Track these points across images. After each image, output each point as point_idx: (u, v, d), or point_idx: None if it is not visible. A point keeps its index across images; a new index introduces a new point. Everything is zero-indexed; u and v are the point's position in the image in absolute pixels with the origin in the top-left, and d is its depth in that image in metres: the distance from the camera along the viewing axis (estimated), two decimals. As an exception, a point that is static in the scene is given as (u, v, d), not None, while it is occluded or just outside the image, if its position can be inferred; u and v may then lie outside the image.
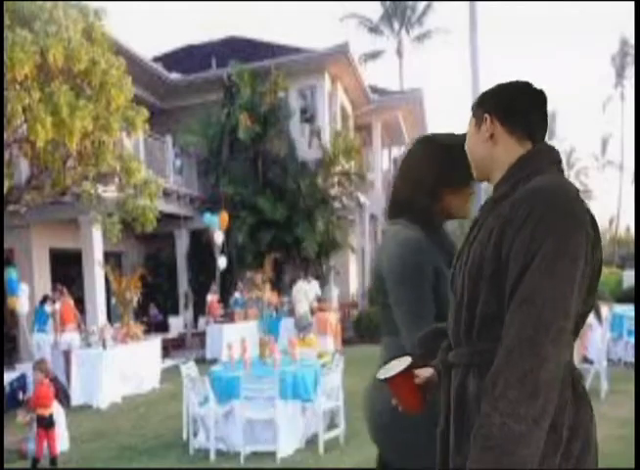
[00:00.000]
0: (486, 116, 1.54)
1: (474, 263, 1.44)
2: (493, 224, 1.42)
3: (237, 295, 13.31)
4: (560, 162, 1.52)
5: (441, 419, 1.55)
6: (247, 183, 14.51)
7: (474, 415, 1.40)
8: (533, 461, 1.27)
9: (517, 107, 1.53)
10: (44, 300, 9.84)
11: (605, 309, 8.98)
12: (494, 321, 1.39)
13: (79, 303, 10.80)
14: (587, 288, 1.38)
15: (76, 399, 8.08)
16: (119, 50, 9.84)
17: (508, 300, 1.34)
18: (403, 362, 1.60)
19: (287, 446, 5.37)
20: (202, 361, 10.15)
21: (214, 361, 9.71)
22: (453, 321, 1.53)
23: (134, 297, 9.76)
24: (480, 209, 1.56)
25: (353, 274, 17.46)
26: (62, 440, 5.72)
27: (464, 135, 1.66)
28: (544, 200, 1.34)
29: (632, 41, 33.59)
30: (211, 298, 13.10)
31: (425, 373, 1.62)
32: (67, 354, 8.40)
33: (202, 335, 12.49)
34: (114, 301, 11.27)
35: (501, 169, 1.53)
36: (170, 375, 9.11)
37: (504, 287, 1.37)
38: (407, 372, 1.57)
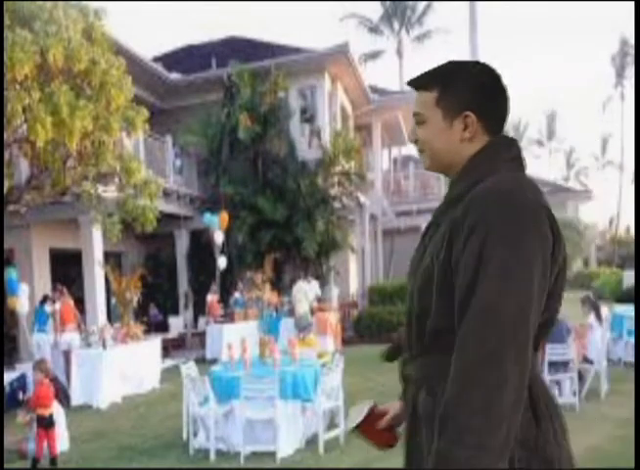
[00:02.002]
0: (468, 113, 1.36)
1: (425, 270, 1.33)
2: (445, 228, 1.30)
3: (237, 295, 13.30)
4: (520, 156, 1.38)
5: (405, 432, 1.50)
6: (247, 183, 14.51)
7: (422, 433, 1.34)
8: None
9: (495, 99, 1.39)
10: (44, 300, 9.83)
11: (605, 309, 8.98)
12: (444, 332, 1.28)
13: (79, 303, 10.79)
14: (549, 293, 1.26)
15: (76, 399, 8.08)
16: (119, 50, 9.84)
17: (458, 311, 1.21)
18: (365, 407, 1.62)
19: (287, 446, 5.37)
20: (202, 361, 10.15)
21: (214, 361, 9.70)
22: (406, 333, 1.43)
23: (134, 297, 9.76)
24: (435, 210, 1.43)
25: (353, 274, 17.46)
26: (62, 440, 5.72)
27: None
28: (497, 203, 1.21)
29: (632, 41, 33.58)
30: (211, 298, 13.10)
31: (391, 411, 1.60)
32: (67, 354, 8.40)
33: (202, 335, 12.49)
34: (114, 301, 11.28)
35: (463, 163, 1.38)
36: (170, 375, 9.11)
37: (453, 296, 1.24)
38: (370, 416, 1.60)
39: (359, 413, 1.61)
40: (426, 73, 1.42)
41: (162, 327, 14.13)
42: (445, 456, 1.12)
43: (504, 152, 1.36)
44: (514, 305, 1.16)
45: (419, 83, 1.41)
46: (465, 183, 1.33)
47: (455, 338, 1.21)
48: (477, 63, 1.44)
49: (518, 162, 1.37)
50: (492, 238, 1.18)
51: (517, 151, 1.38)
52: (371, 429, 1.61)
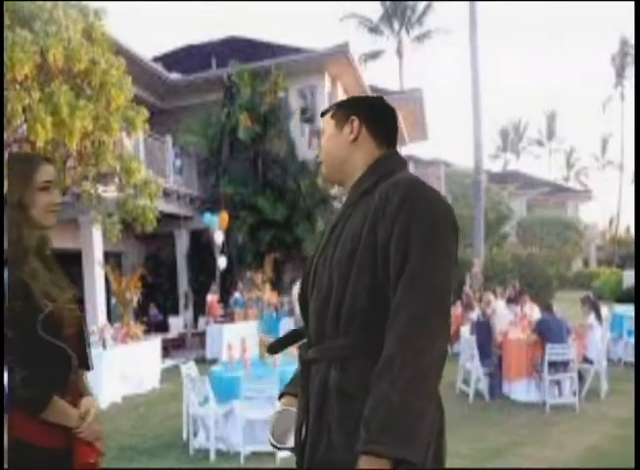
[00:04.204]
0: (353, 117, 1.58)
1: (343, 256, 1.46)
2: (363, 217, 1.45)
3: (237, 295, 13.30)
4: (407, 165, 1.64)
5: (298, 414, 1.55)
6: (247, 183, 14.51)
7: (333, 405, 1.42)
8: (428, 437, 1.31)
9: (381, 114, 1.62)
10: (44, 300, 9.83)
11: (605, 309, 8.98)
12: (362, 314, 1.41)
13: (79, 303, 10.79)
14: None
15: (76, 399, 8.08)
16: (119, 50, 9.84)
17: (393, 284, 1.36)
18: (291, 419, 1.56)
19: (287, 446, 5.37)
20: (202, 361, 10.15)
21: (214, 361, 9.70)
22: (316, 317, 1.52)
23: (134, 297, 9.75)
24: (342, 205, 1.61)
25: (353, 274, 17.45)
26: (62, 440, 5.71)
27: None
28: (414, 189, 1.42)
29: (632, 41, 33.58)
30: (211, 298, 13.10)
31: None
32: (67, 354, 8.40)
33: (202, 335, 12.48)
34: (114, 301, 11.28)
35: (358, 172, 1.58)
36: (170, 375, 9.11)
37: (377, 277, 1.40)
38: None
39: (288, 428, 1.56)
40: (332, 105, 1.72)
41: (162, 327, 14.12)
42: (383, 396, 1.28)
43: (399, 160, 1.62)
44: (440, 275, 1.34)
45: (325, 111, 1.72)
46: (371, 179, 1.53)
47: (371, 318, 1.40)
48: (374, 95, 1.73)
49: (407, 169, 1.62)
50: (416, 220, 1.37)
51: (405, 161, 1.64)
52: None
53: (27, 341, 1.67)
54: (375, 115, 1.61)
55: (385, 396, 1.28)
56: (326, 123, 1.68)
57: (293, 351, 5.92)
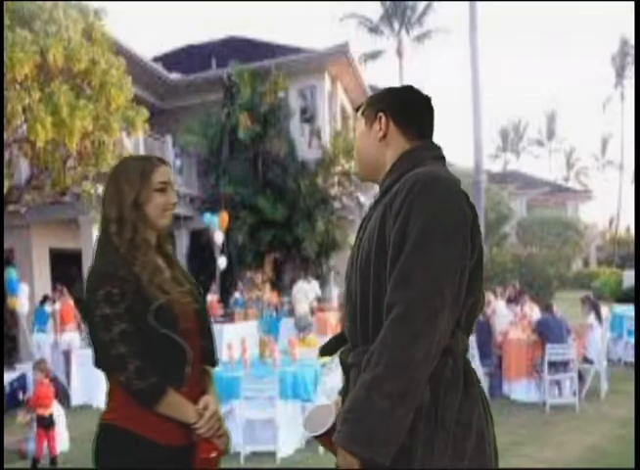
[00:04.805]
0: (381, 114, 1.54)
1: (363, 259, 1.43)
2: (377, 215, 1.43)
3: (237, 295, 13.30)
4: (443, 158, 1.55)
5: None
6: (247, 183, 14.51)
7: None
8: (395, 440, 1.25)
9: (409, 107, 1.55)
10: (44, 300, 9.83)
11: (605, 309, 8.98)
12: (384, 315, 1.36)
13: (79, 303, 10.78)
14: (471, 273, 1.35)
15: (76, 399, 8.08)
16: (119, 50, 9.84)
17: (388, 283, 1.32)
18: (330, 416, 1.53)
19: (287, 447, 5.37)
20: (202, 361, 10.14)
21: (214, 361, 9.68)
22: (349, 322, 1.51)
23: (134, 297, 9.74)
24: (370, 206, 1.58)
25: (353, 274, 17.45)
26: (62, 440, 5.71)
27: None
28: (420, 186, 1.35)
29: (632, 41, 33.58)
30: (211, 298, 13.08)
31: None
32: (67, 354, 8.39)
33: (202, 335, 12.47)
34: (114, 301, 11.23)
35: (386, 168, 1.54)
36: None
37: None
38: (334, 425, 1.50)
39: (322, 419, 1.53)
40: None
41: (162, 327, 14.11)
42: (354, 391, 1.28)
43: (428, 152, 1.53)
44: (428, 274, 1.27)
45: (358, 107, 1.67)
46: (392, 177, 1.49)
47: None
48: (403, 86, 1.64)
49: (441, 161, 1.53)
50: (413, 215, 1.31)
51: (440, 152, 1.55)
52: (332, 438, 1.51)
53: (140, 332, 1.68)
54: (403, 108, 1.55)
55: (356, 389, 1.29)
56: (358, 121, 1.64)
57: (293, 351, 5.91)
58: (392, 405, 1.23)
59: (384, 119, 1.53)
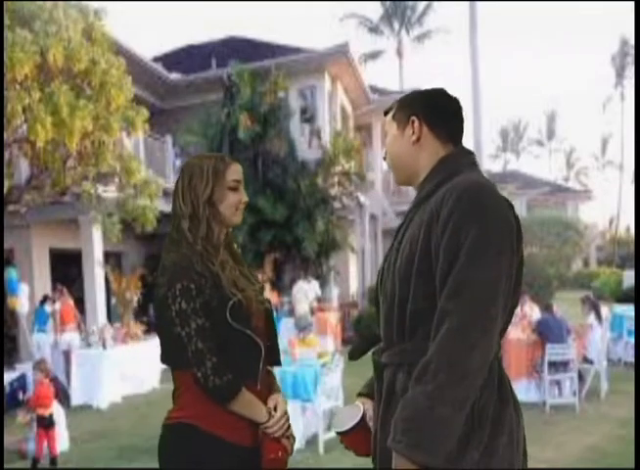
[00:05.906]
0: (413, 118, 1.53)
1: (403, 261, 1.45)
2: (421, 221, 1.44)
3: (237, 295, 13.29)
4: (476, 164, 1.57)
5: (373, 418, 1.56)
6: (247, 183, 14.09)
7: (396, 408, 1.41)
8: (451, 445, 1.28)
9: (442, 110, 1.56)
10: (44, 300, 9.83)
11: (605, 309, 8.98)
12: (424, 319, 1.40)
13: (79, 303, 10.79)
14: (514, 278, 1.40)
15: (76, 399, 8.08)
16: (119, 50, 9.83)
17: (439, 289, 1.36)
18: (357, 414, 1.57)
19: (287, 446, 5.36)
20: (202, 361, 10.14)
21: (214, 361, 9.68)
22: (385, 322, 1.53)
23: (134, 297, 9.75)
24: (407, 210, 1.58)
25: (353, 274, 17.45)
26: (62, 440, 5.72)
27: None
28: (467, 195, 1.37)
29: (632, 41, 33.57)
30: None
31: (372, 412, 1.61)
32: (67, 354, 8.40)
33: (202, 335, 12.47)
34: (114, 301, 11.26)
35: (425, 172, 1.55)
36: (170, 375, 9.10)
37: (434, 283, 1.38)
38: (360, 424, 1.56)
39: (350, 418, 1.57)
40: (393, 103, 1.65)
41: (162, 327, 14.10)
42: (411, 399, 1.30)
43: (464, 159, 1.55)
44: (483, 285, 1.30)
45: (387, 110, 1.65)
46: (432, 183, 1.50)
47: (433, 323, 1.36)
48: (434, 88, 1.63)
49: (475, 167, 1.55)
50: (466, 226, 1.33)
51: (473, 158, 1.58)
52: (357, 436, 1.57)
53: (218, 329, 1.67)
54: (436, 112, 1.55)
55: (414, 398, 1.30)
56: (388, 125, 1.62)
57: (293, 351, 5.93)
58: (453, 413, 1.27)
59: (417, 123, 1.53)
